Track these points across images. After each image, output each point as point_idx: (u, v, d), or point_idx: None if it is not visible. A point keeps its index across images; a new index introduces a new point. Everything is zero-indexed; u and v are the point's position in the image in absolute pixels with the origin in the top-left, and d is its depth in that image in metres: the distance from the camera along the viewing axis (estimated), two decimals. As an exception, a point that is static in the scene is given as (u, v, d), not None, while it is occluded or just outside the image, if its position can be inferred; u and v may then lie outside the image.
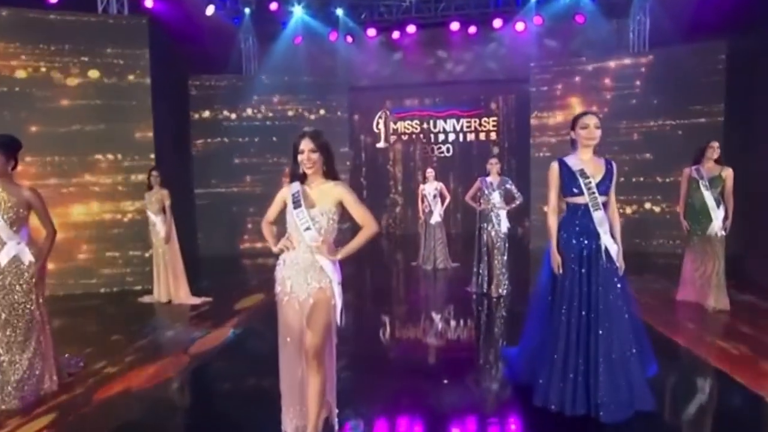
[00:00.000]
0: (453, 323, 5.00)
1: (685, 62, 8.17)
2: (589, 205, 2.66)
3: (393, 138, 12.23)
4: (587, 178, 2.65)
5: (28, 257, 3.20)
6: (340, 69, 10.72)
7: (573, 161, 2.73)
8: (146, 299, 5.95)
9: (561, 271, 2.71)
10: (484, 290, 5.66)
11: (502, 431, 2.76)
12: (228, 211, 9.70)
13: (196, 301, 5.77)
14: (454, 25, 10.34)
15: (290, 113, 10.00)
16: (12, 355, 3.22)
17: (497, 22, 10.16)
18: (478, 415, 2.90)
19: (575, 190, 2.69)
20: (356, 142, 11.98)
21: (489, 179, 5.53)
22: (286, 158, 9.49)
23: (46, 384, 3.36)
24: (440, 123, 11.99)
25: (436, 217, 7.30)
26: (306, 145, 2.28)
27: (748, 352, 3.72)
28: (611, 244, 2.67)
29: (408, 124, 12.15)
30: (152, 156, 6.70)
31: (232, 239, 9.81)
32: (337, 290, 2.33)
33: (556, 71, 9.28)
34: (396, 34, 10.70)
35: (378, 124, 12.25)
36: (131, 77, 6.71)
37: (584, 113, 2.79)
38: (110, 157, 6.68)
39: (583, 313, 2.62)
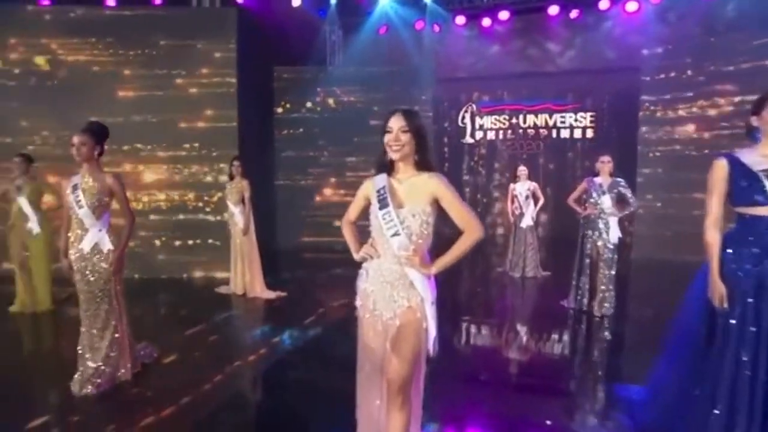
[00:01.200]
0: (547, 344, 4.34)
1: None
2: None
3: (479, 134, 11.50)
4: None
5: (107, 245, 3.12)
6: (426, 60, 10.20)
7: (752, 158, 2.02)
8: (222, 290, 5.93)
9: (726, 305, 2.02)
10: (584, 307, 4.90)
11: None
12: (306, 203, 9.66)
13: (271, 295, 5.62)
14: (553, 9, 9.39)
15: (374, 107, 9.71)
16: (91, 341, 3.18)
17: (604, 4, 9.06)
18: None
19: (757, 198, 1.98)
20: (439, 138, 11.42)
21: (598, 180, 4.75)
22: (365, 153, 9.40)
23: (122, 372, 3.29)
24: (531, 118, 11.06)
25: (527, 220, 6.59)
26: (396, 122, 1.84)
27: None
28: None
29: (495, 119, 11.35)
30: (235, 146, 6.71)
31: (311, 232, 9.74)
32: (430, 311, 1.86)
33: (679, 55, 8.00)
34: (487, 22, 9.98)
35: (464, 118, 11.59)
36: (218, 68, 6.75)
37: None
38: (195, 145, 6.78)
39: (761, 362, 1.92)
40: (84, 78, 6.63)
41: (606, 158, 4.73)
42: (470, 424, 2.78)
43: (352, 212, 2.10)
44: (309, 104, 9.76)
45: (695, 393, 2.11)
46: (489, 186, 11.43)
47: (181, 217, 6.86)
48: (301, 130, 9.72)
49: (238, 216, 5.54)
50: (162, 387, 3.25)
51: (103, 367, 3.19)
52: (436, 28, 10.18)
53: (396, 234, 1.81)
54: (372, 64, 9.84)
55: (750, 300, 1.97)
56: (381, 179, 1.89)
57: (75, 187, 3.07)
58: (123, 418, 2.83)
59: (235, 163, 5.61)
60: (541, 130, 10.96)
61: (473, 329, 4.75)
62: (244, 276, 5.65)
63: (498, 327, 4.85)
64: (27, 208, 4.98)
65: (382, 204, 1.84)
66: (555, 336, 4.51)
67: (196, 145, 6.79)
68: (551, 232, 10.26)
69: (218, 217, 6.74)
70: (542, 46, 10.35)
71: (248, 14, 7.66)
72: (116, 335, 3.24)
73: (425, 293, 1.85)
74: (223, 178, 6.49)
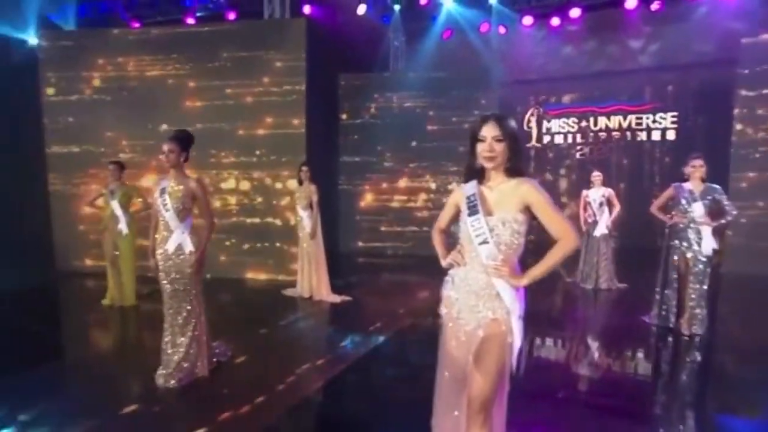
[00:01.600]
0: (629, 363, 4.04)
1: None
2: None
3: (546, 138, 11.08)
4: None
5: (189, 247, 3.28)
6: (490, 62, 9.99)
7: None
8: (289, 292, 6.07)
9: None
10: (670, 324, 4.51)
11: None
12: (361, 208, 9.77)
13: (337, 299, 5.69)
14: (631, 3, 8.85)
15: (432, 112, 9.65)
16: (174, 338, 3.34)
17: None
18: None
19: None
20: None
21: (688, 186, 4.35)
22: (424, 158, 9.38)
23: (199, 369, 3.43)
24: (602, 120, 10.49)
25: (601, 229, 6.21)
26: (490, 131, 1.75)
27: None
28: None
29: (563, 122, 10.89)
30: (303, 152, 6.88)
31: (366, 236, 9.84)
32: (516, 325, 1.76)
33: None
34: (556, 21, 9.60)
35: (529, 122, 11.22)
36: (287, 77, 6.97)
37: None
38: (264, 151, 7.04)
39: None
40: (160, 90, 7.16)
41: (698, 162, 4.31)
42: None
43: (443, 220, 2.04)
44: (372, 110, 9.86)
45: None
46: (556, 192, 10.96)
47: (248, 220, 7.13)
48: (360, 136, 9.81)
49: (306, 220, 5.67)
50: (236, 385, 3.35)
51: (183, 363, 3.35)
52: (502, 30, 9.94)
53: (484, 242, 1.73)
54: (434, 69, 9.81)
55: None
56: (471, 186, 1.83)
57: (162, 191, 3.25)
58: (202, 413, 2.94)
59: (304, 168, 5.74)
60: (614, 133, 10.36)
61: (547, 344, 4.51)
62: (311, 279, 5.76)
63: (573, 342, 4.59)
64: (118, 211, 5.38)
65: (472, 211, 1.76)
66: (638, 355, 4.19)
67: (265, 151, 7.04)
68: (625, 241, 9.61)
69: (283, 222, 6.96)
70: (617, 43, 9.80)
71: (315, 24, 7.88)
72: (195, 333, 3.39)
73: (512, 305, 1.75)
74: (291, 183, 6.69)
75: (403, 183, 9.62)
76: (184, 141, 3.28)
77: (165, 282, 3.32)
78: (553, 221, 1.73)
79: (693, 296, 4.35)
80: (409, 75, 9.99)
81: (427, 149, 9.37)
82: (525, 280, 1.75)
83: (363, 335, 4.46)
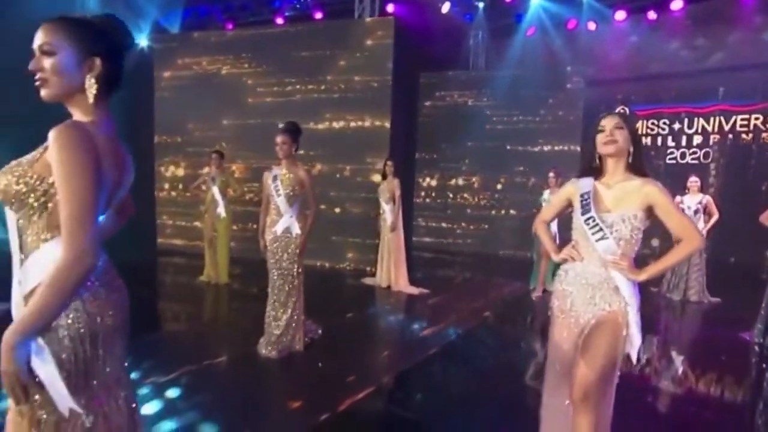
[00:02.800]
0: (729, 383, 3.79)
1: None
2: None
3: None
4: None
5: (296, 230, 3.58)
6: (577, 60, 9.64)
7: None
8: (368, 281, 6.33)
9: None
10: (774, 344, 4.21)
11: None
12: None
13: (414, 291, 5.85)
14: (744, -6, 8.17)
15: (514, 112, 9.54)
16: (276, 312, 3.67)
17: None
18: None
19: None
20: (587, 144, 10.68)
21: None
22: (500, 159, 9.37)
23: (297, 344, 3.73)
24: (699, 121, 9.75)
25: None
26: (609, 122, 1.83)
27: None
28: None
29: (653, 124, 10.25)
30: (387, 147, 7.12)
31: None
32: (634, 318, 1.80)
33: None
34: (652, 15, 9.05)
35: (613, 123, 10.69)
36: (376, 75, 7.22)
37: None
38: (350, 145, 7.36)
39: None
40: (240, 86, 7.87)
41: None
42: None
43: (549, 213, 2.13)
44: (448, 107, 9.97)
45: None
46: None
47: (332, 211, 7.49)
48: (442, 133, 9.95)
49: (388, 213, 5.88)
50: (328, 362, 3.60)
51: (283, 337, 3.66)
52: (592, 26, 9.54)
53: (603, 238, 1.79)
54: (518, 67, 9.65)
55: None
56: (587, 183, 1.89)
57: (275, 178, 3.57)
58: (298, 382, 3.21)
59: (389, 163, 5.95)
60: (713, 136, 9.59)
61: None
62: (390, 270, 5.97)
63: (663, 356, 4.40)
64: (218, 196, 5.90)
65: (585, 209, 1.83)
66: (738, 374, 3.94)
67: (351, 145, 7.35)
68: (721, 253, 8.92)
69: (362, 213, 7.28)
70: (723, 38, 9.01)
71: (401, 22, 8.06)
72: (295, 310, 3.69)
73: (630, 299, 1.80)
74: (374, 177, 6.96)
75: (460, 181, 9.80)
76: (294, 133, 3.57)
77: (272, 261, 3.64)
78: (677, 223, 1.77)
79: (803, 315, 4.03)
80: (489, 73, 9.95)
81: (484, 149, 9.60)
82: (644, 275, 1.79)
83: (442, 326, 4.60)
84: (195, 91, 8.17)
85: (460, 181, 9.98)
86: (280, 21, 10.89)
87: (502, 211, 9.83)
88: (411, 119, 9.78)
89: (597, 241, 1.80)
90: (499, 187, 9.75)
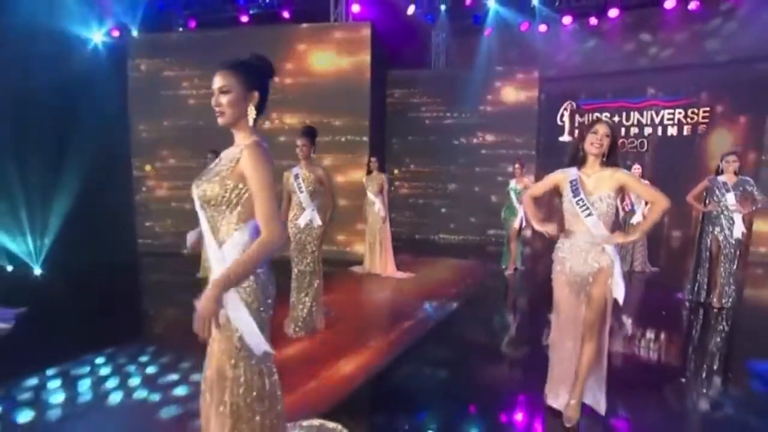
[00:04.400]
0: (673, 331, 4.74)
1: None
2: None
3: (577, 131, 11.65)
4: None
5: (317, 221, 4.09)
6: (530, 59, 10.58)
7: None
8: (357, 269, 6.88)
9: None
10: (702, 299, 5.23)
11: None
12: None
13: (403, 275, 6.49)
14: (670, 3, 9.34)
15: (477, 107, 10.33)
16: (299, 295, 4.16)
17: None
18: None
19: None
20: (538, 135, 11.72)
21: (722, 179, 5.02)
22: (461, 158, 10.16)
23: (318, 324, 4.25)
24: (635, 115, 11.02)
25: (638, 217, 6.87)
26: (603, 128, 2.49)
27: None
28: None
29: (596, 117, 11.43)
30: (367, 145, 7.65)
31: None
32: (618, 270, 2.52)
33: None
34: (594, 20, 10.13)
35: (562, 116, 11.80)
36: (354, 76, 7.73)
37: None
38: (329, 141, 7.79)
39: None
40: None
41: (732, 157, 4.97)
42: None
43: (538, 190, 2.74)
44: (411, 105, 10.60)
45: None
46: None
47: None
48: (409, 133, 10.59)
49: (378, 205, 6.45)
50: (348, 340, 4.12)
51: (307, 318, 4.18)
52: (543, 28, 10.50)
53: (590, 214, 2.49)
54: (474, 65, 10.45)
55: None
56: (573, 173, 2.56)
57: (297, 176, 4.05)
58: (324, 358, 3.68)
59: (373, 159, 6.53)
60: (647, 128, 10.89)
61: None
62: (380, 257, 6.56)
63: (622, 316, 5.31)
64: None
65: (575, 193, 2.50)
66: (675, 324, 4.91)
67: (329, 141, 7.79)
68: (656, 229, 10.22)
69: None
70: (654, 42, 10.28)
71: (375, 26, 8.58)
72: (318, 292, 4.21)
73: (614, 257, 2.52)
74: (355, 174, 7.47)
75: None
76: (313, 136, 4.06)
77: (294, 251, 4.14)
78: (646, 193, 2.56)
79: (723, 274, 5.05)
80: (448, 71, 10.69)
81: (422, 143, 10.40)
82: (632, 237, 2.54)
83: (437, 301, 5.28)
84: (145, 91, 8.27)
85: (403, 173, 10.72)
86: (244, 19, 11.06)
87: (447, 200, 10.67)
88: (383, 119, 10.35)
89: (585, 216, 2.49)
90: (442, 176, 10.53)
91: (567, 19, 10.24)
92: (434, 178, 10.63)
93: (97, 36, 8.01)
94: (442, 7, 10.47)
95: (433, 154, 10.51)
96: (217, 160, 1.77)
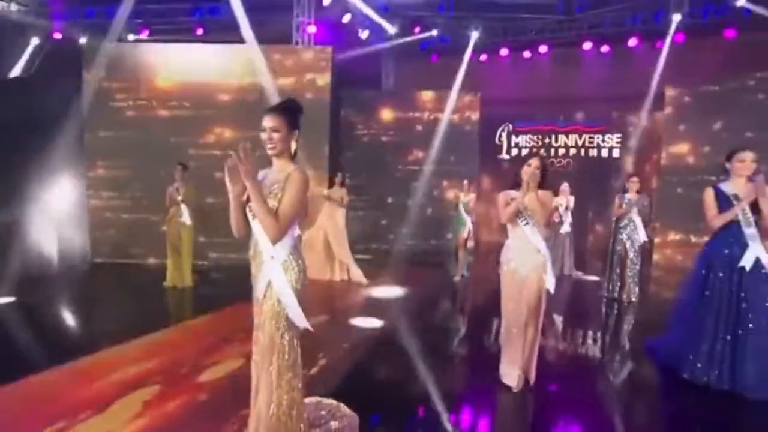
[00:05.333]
0: (595, 319, 5.76)
1: None
2: None
3: (514, 151, 12.91)
4: None
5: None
6: (472, 85, 11.66)
7: (727, 188, 3.45)
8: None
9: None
10: (615, 295, 6.27)
11: (657, 400, 3.54)
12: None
13: (366, 280, 7.06)
14: (587, 45, 10.82)
15: (419, 127, 11.21)
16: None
17: (633, 41, 10.43)
18: (632, 391, 3.71)
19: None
20: (481, 153, 12.83)
21: (628, 196, 6.14)
22: (398, 173, 10.99)
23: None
24: (561, 138, 12.45)
25: (566, 228, 7.95)
26: (535, 162, 3.26)
27: None
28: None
29: (529, 138, 12.76)
30: (326, 161, 8.24)
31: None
32: (549, 267, 3.29)
33: (698, 92, 9.40)
34: (527, 54, 11.42)
35: (500, 136, 13.01)
36: (315, 96, 8.31)
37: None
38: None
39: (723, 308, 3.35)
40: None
41: (634, 179, 6.16)
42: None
43: (508, 210, 3.34)
44: (365, 124, 11.33)
45: (708, 326, 3.43)
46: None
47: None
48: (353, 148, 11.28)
49: (340, 217, 7.03)
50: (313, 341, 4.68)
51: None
52: (483, 57, 11.65)
53: (527, 224, 3.25)
54: (421, 86, 11.40)
55: (720, 274, 3.37)
56: (513, 193, 3.31)
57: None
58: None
59: (339, 174, 7.13)
60: (572, 149, 12.34)
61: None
62: (343, 265, 7.12)
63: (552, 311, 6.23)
64: (182, 205, 6.51)
65: (521, 215, 3.27)
66: (598, 315, 5.93)
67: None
68: (580, 236, 11.56)
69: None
70: (575, 76, 11.75)
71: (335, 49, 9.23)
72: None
73: (546, 255, 3.28)
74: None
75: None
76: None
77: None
78: (547, 215, 3.31)
79: (629, 274, 6.13)
80: (396, 92, 11.56)
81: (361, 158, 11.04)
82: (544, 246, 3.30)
83: (394, 306, 5.94)
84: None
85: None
86: (199, 32, 11.26)
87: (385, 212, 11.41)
88: (338, 137, 10.96)
89: (524, 225, 3.26)
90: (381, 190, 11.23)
91: (504, 51, 11.47)
92: (373, 191, 11.20)
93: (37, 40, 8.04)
94: (392, 32, 11.30)
95: (371, 168, 11.12)
96: (265, 182, 2.26)
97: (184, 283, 6.67)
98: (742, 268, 3.31)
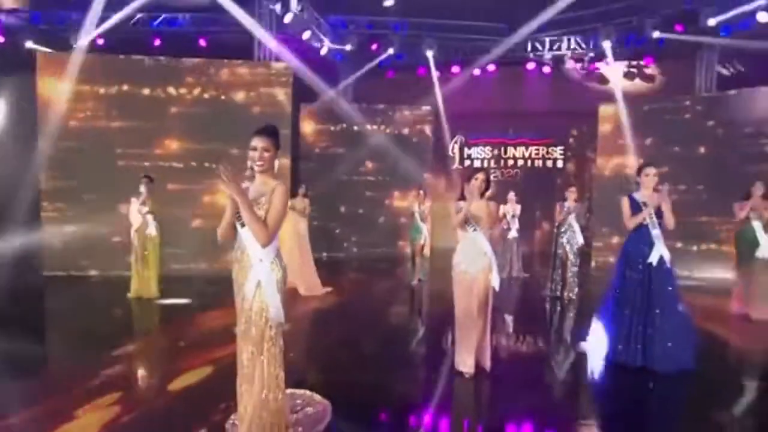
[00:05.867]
0: (539, 315, 6.38)
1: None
2: None
3: (467, 161, 13.65)
4: None
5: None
6: (425, 100, 12.30)
7: (638, 196, 4.10)
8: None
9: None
10: (557, 294, 6.94)
11: (589, 378, 4.13)
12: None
13: (325, 290, 7.34)
14: (530, 65, 11.75)
15: (373, 139, 11.70)
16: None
17: (570, 63, 11.43)
18: (570, 373, 4.27)
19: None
20: (435, 164, 13.47)
21: (567, 204, 6.84)
22: (351, 183, 11.46)
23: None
24: (510, 149, 13.33)
25: (513, 233, 8.63)
26: (481, 176, 3.75)
27: None
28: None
29: (481, 150, 13.56)
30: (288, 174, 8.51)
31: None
32: (495, 267, 3.78)
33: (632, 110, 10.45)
34: (477, 71, 12.19)
35: (453, 148, 13.73)
36: (276, 110, 8.61)
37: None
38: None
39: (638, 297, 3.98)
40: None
41: (572, 189, 6.88)
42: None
43: (459, 216, 3.83)
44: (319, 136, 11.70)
45: (625, 312, 4.06)
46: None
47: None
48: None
49: (303, 227, 7.33)
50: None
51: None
52: (436, 74, 12.32)
53: (475, 229, 3.74)
54: (381, 101, 11.93)
55: (634, 270, 4.01)
56: (462, 204, 3.79)
57: None
58: None
59: (303, 185, 7.44)
60: (519, 161, 13.24)
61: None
62: (305, 276, 7.36)
63: (504, 308, 6.81)
64: (149, 216, 6.62)
65: (469, 222, 3.75)
66: (546, 309, 6.58)
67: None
68: (527, 239, 12.38)
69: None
70: (521, 93, 12.67)
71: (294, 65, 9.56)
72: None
73: (492, 258, 3.77)
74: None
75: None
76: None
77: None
78: (490, 219, 3.81)
79: (570, 274, 6.81)
80: (356, 105, 12.04)
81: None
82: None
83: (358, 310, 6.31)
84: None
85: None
86: (156, 42, 11.23)
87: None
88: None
89: (472, 232, 3.75)
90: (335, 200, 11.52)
91: (455, 69, 12.19)
92: (327, 201, 11.33)
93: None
94: (348, 48, 11.75)
95: (325, 179, 11.25)
96: (252, 192, 2.59)
97: (150, 294, 6.73)
98: (650, 263, 3.95)
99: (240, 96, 8.64)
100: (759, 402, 3.72)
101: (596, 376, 4.18)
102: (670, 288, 3.97)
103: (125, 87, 8.55)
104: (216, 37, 10.81)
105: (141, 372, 4.24)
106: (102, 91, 8.52)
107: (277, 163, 2.66)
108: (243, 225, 2.53)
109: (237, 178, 2.44)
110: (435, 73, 12.25)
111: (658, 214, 3.98)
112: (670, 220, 3.99)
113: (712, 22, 9.38)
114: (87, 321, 5.76)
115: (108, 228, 7.75)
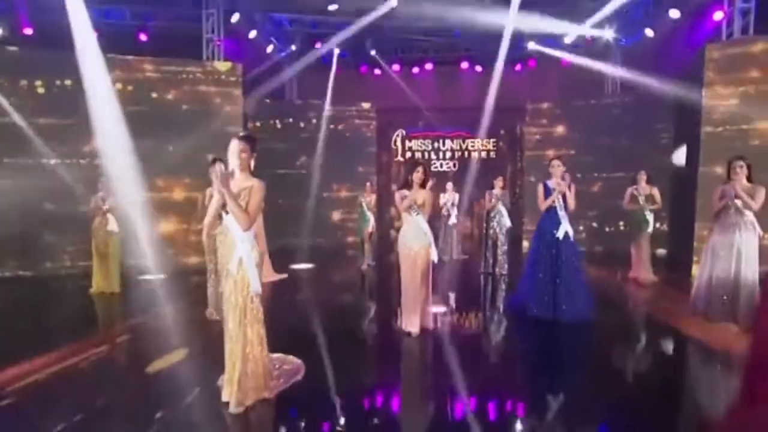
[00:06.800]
0: (477, 287, 7.38)
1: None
2: None
3: (408, 154, 14.52)
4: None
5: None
6: (368, 96, 12.98)
7: (551, 183, 5.05)
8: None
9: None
10: (490, 270, 7.94)
11: (513, 332, 5.06)
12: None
13: (277, 277, 7.86)
14: (465, 64, 12.75)
15: (318, 134, 12.30)
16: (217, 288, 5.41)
17: (499, 64, 12.51)
18: (498, 326, 5.19)
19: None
20: (378, 157, 14.20)
21: (495, 191, 7.83)
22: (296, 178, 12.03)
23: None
24: (447, 142, 14.34)
25: (453, 220, 9.56)
26: (421, 170, 4.52)
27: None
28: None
29: (420, 143, 14.48)
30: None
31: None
32: (433, 244, 4.57)
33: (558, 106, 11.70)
34: (416, 70, 13.04)
35: (395, 141, 14.54)
36: (228, 109, 8.95)
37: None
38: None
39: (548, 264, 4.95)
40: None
41: (499, 178, 7.89)
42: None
43: (404, 203, 4.62)
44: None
45: (539, 276, 5.01)
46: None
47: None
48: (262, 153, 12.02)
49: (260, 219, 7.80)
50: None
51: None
52: (377, 72, 13.03)
53: (418, 214, 4.51)
54: (320, 97, 12.49)
55: (545, 243, 4.97)
56: (406, 191, 4.55)
57: None
58: None
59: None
60: (456, 153, 14.29)
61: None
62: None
63: (449, 283, 7.71)
64: (110, 213, 6.84)
65: (413, 207, 4.51)
66: (480, 283, 7.57)
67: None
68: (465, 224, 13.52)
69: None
70: (456, 90, 13.65)
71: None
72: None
73: (430, 237, 4.55)
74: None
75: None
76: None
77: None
78: (427, 206, 4.60)
79: (500, 253, 7.82)
80: (301, 102, 12.50)
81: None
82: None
83: (328, 293, 6.94)
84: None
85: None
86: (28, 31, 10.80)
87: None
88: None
89: (415, 216, 4.52)
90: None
91: (396, 67, 12.96)
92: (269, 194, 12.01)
93: None
94: (293, 47, 12.16)
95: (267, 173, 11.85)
96: (234, 186, 3.15)
97: (111, 288, 6.94)
98: (557, 238, 4.92)
99: (190, 95, 8.87)
100: (644, 344, 4.82)
101: (519, 329, 5.15)
102: (573, 257, 4.96)
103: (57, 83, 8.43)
104: (167, 38, 10.83)
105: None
106: (31, 86, 8.33)
107: (253, 162, 3.25)
108: (227, 213, 3.12)
109: (226, 178, 3.03)
110: (376, 71, 12.96)
111: (564, 198, 4.95)
112: (572, 202, 4.99)
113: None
114: (50, 318, 5.98)
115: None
